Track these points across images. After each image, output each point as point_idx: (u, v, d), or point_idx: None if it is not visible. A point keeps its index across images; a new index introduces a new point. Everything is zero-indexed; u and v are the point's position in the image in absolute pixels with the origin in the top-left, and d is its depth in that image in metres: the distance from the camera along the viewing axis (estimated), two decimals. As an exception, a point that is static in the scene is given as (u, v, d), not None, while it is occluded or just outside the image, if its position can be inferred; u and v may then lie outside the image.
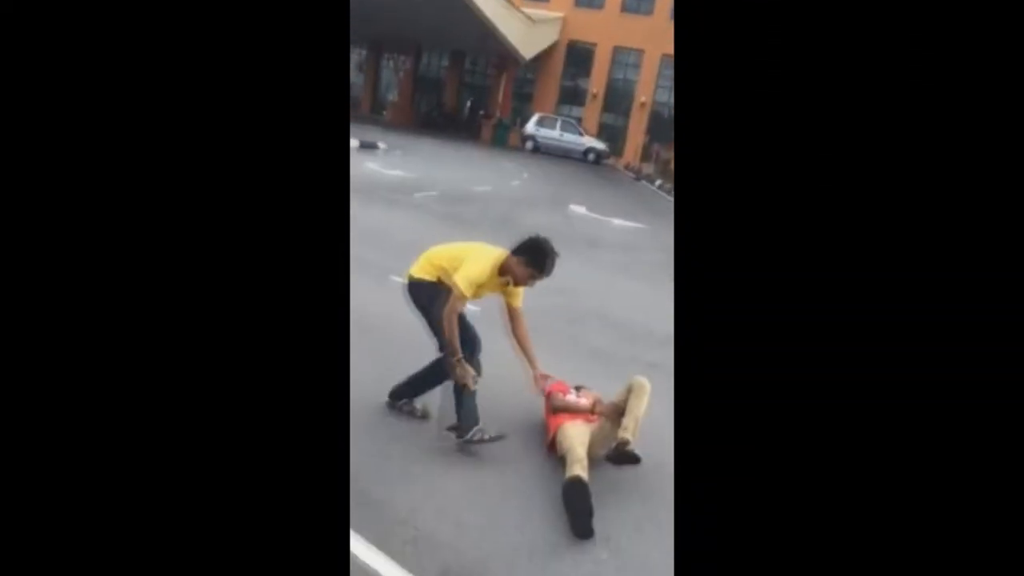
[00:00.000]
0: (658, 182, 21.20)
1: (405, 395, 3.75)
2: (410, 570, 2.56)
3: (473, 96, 29.61)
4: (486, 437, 3.41)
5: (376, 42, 31.52)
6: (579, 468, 3.10)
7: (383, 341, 4.82)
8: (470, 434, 3.42)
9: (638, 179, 22.46)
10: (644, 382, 3.48)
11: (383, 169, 14.20)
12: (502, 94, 28.45)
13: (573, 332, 5.64)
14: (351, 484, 2.81)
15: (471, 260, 3.43)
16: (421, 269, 3.60)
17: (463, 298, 3.35)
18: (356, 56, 32.55)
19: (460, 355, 3.40)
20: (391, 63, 32.13)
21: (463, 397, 3.46)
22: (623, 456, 3.31)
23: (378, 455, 3.30)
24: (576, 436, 3.36)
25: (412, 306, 3.69)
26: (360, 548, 2.63)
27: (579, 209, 12.94)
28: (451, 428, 3.50)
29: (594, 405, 3.64)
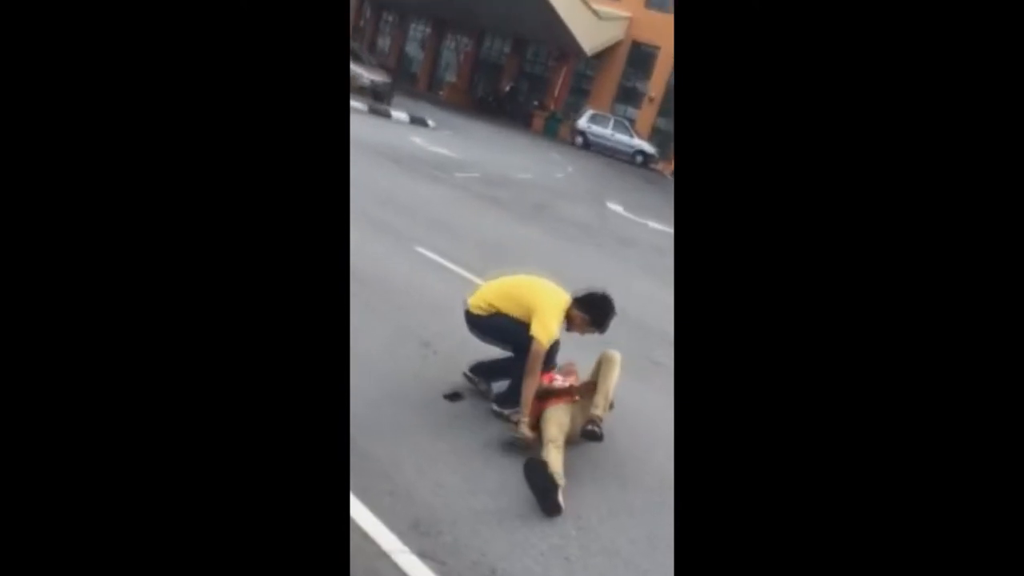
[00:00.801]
0: (703, 192, 20.90)
1: (481, 374, 3.91)
2: (383, 519, 2.64)
3: (529, 84, 29.57)
4: (513, 418, 3.52)
5: (440, 21, 31.64)
6: (550, 449, 3.16)
7: (400, 305, 4.90)
8: (509, 412, 3.59)
9: (683, 187, 22.18)
10: (613, 355, 3.59)
11: (428, 145, 14.29)
12: (559, 86, 28.39)
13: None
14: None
15: (546, 312, 3.50)
16: (483, 303, 3.70)
17: (543, 352, 3.44)
18: (419, 32, 32.72)
19: (526, 417, 3.42)
20: (453, 44, 32.22)
21: (516, 386, 3.61)
22: (589, 433, 3.37)
23: (374, 408, 3.38)
24: (553, 418, 3.41)
25: (477, 335, 3.78)
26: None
27: (617, 208, 12.91)
28: (496, 399, 3.74)
29: (572, 387, 3.68)
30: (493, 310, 3.66)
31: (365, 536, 2.53)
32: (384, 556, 2.46)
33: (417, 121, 17.65)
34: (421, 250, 6.50)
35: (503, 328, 3.63)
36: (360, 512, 2.64)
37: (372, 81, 18.91)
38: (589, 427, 3.34)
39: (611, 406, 3.67)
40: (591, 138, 24.90)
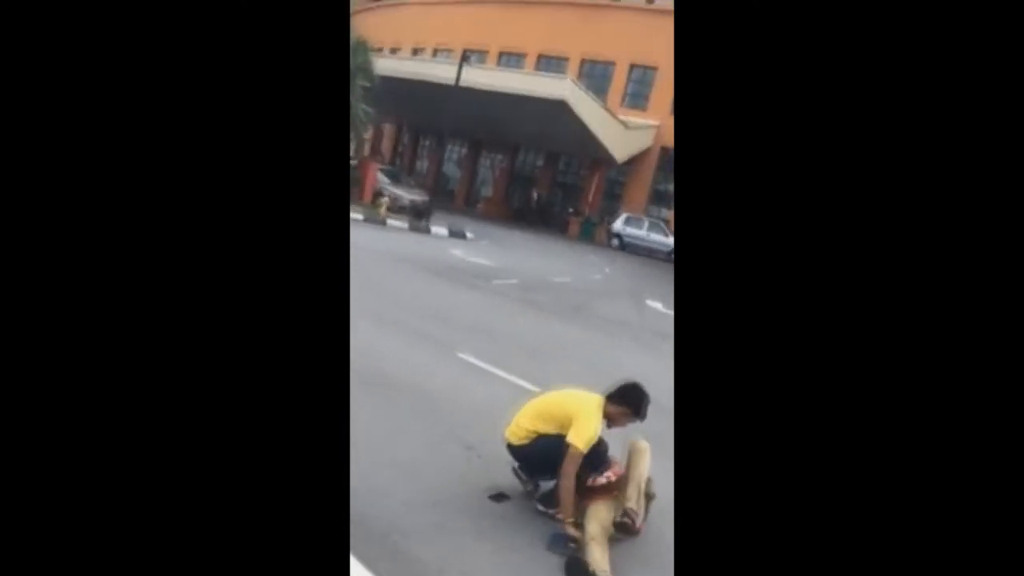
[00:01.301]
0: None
1: (529, 472, 3.79)
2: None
3: (563, 192, 30.36)
4: (558, 516, 3.49)
5: (476, 141, 32.99)
6: (592, 547, 3.15)
7: (443, 410, 4.94)
8: (553, 512, 3.57)
9: (723, 281, 22.12)
10: (640, 445, 3.60)
11: (467, 256, 14.64)
12: (593, 192, 29.07)
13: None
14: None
15: (581, 416, 3.49)
16: (520, 431, 3.67)
17: (580, 456, 3.41)
18: (455, 153, 34.12)
19: (574, 517, 3.42)
20: (488, 161, 33.46)
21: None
22: (621, 526, 3.33)
23: (419, 512, 3.37)
24: (595, 515, 3.38)
25: (525, 470, 3.75)
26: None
27: (656, 304, 12.92)
28: (541, 498, 3.71)
29: (611, 483, 3.62)
30: (533, 435, 3.62)
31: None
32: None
33: (456, 234, 18.16)
34: (462, 355, 6.57)
35: (547, 449, 3.55)
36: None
37: (412, 200, 19.69)
38: (621, 519, 3.31)
39: (650, 496, 3.59)
40: (627, 239, 25.23)
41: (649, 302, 13.15)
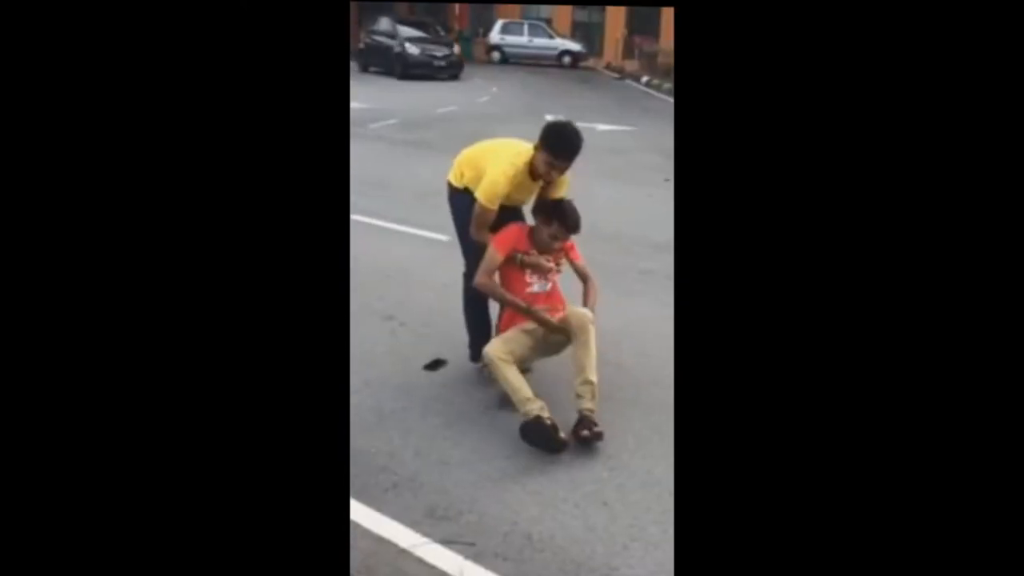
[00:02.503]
0: (644, 79, 20.87)
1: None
2: (394, 515, 2.58)
3: (428, 12, 28.94)
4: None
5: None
6: (503, 370, 3.12)
7: (351, 283, 4.78)
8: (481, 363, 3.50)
9: (622, 79, 22.12)
10: (583, 316, 3.23)
11: (333, 103, 13.95)
12: (459, 8, 27.81)
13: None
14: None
15: (491, 166, 3.34)
16: (452, 174, 3.60)
17: (486, 211, 3.33)
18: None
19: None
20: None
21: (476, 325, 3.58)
22: (585, 439, 3.02)
23: (355, 398, 3.30)
24: (513, 340, 3.31)
25: (451, 212, 3.65)
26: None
27: (556, 118, 12.78)
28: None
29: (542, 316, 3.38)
30: (463, 184, 3.51)
31: (379, 539, 2.48)
32: (405, 553, 2.41)
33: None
34: (357, 217, 6.34)
35: (462, 207, 3.48)
36: (366, 514, 2.58)
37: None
38: (584, 432, 3.00)
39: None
40: (508, 51, 24.55)
41: (549, 117, 12.97)
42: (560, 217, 3.36)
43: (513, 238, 3.41)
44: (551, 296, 3.46)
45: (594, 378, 3.10)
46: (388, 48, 19.90)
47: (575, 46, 24.81)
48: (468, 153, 3.58)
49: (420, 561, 2.38)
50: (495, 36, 24.85)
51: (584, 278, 3.58)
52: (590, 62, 25.18)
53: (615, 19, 26.65)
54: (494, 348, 3.19)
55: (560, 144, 3.25)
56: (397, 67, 19.57)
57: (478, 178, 3.37)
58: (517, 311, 3.38)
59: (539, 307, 3.37)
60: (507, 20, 25.47)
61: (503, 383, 3.13)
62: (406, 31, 20.32)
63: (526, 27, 24.97)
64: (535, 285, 3.44)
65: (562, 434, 2.96)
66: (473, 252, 3.50)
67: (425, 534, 2.50)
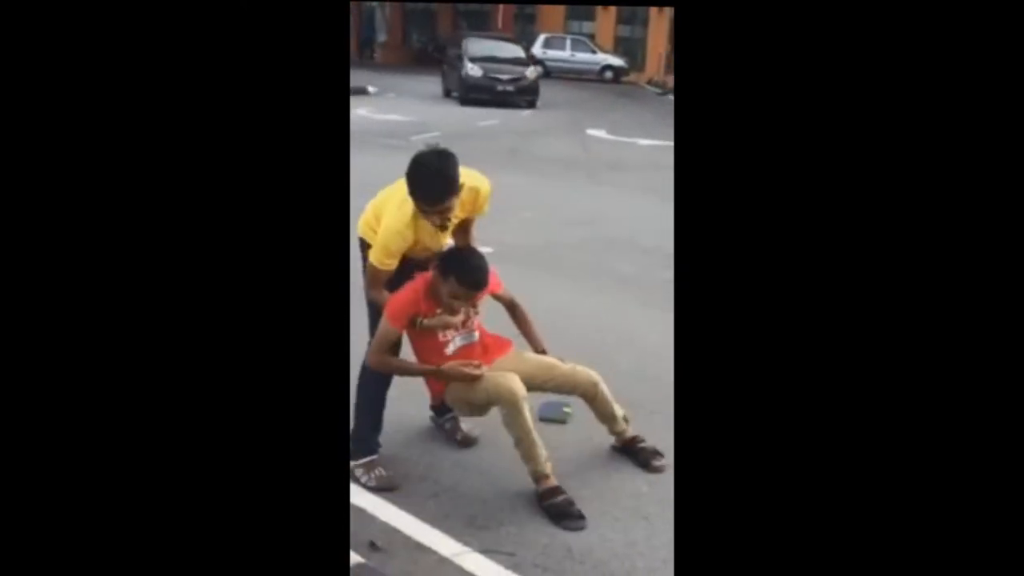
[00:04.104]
0: (687, 94, 20.75)
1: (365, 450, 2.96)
2: (435, 524, 2.60)
3: (468, 23, 29.18)
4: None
5: (355, -23, 31.14)
6: (545, 468, 2.75)
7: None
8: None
9: (664, 94, 22.08)
10: (593, 384, 2.95)
11: (375, 114, 14.13)
12: (501, 18, 28.03)
13: (601, 262, 5.62)
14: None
15: (385, 216, 2.76)
16: (363, 226, 2.95)
17: (379, 271, 2.76)
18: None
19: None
20: (376, 1, 31.74)
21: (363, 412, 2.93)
22: (660, 463, 2.99)
23: (393, 408, 3.32)
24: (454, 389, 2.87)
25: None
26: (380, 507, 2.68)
27: (598, 133, 12.80)
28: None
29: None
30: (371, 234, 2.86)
31: (419, 546, 2.50)
32: (446, 561, 2.43)
33: (356, 91, 17.42)
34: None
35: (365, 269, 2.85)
36: (408, 521, 2.61)
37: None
38: (656, 463, 2.95)
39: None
40: (550, 65, 24.65)
41: (590, 131, 13.00)
42: (457, 271, 2.69)
43: (408, 303, 2.75)
44: (483, 343, 2.97)
45: (621, 412, 3.03)
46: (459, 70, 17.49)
47: (617, 61, 24.85)
48: (377, 200, 2.92)
49: (460, 569, 2.40)
50: (537, 50, 24.96)
51: (511, 306, 3.08)
52: (632, 77, 25.19)
53: (658, 34, 26.64)
54: (516, 384, 2.72)
55: (421, 184, 2.61)
56: (460, 91, 17.19)
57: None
58: (434, 377, 2.86)
59: (473, 360, 2.83)
60: (550, 35, 25.61)
61: (517, 431, 2.71)
62: (475, 48, 17.80)
63: (569, 42, 25.09)
64: (455, 340, 2.89)
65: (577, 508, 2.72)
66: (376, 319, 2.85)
67: (465, 543, 2.52)
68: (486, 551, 2.48)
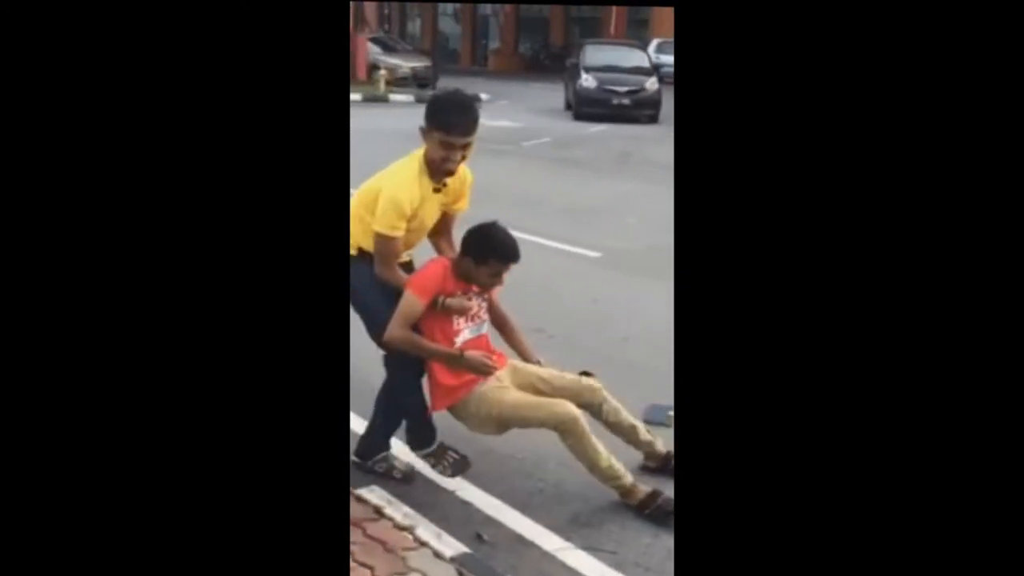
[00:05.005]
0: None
1: (377, 447, 2.92)
2: (538, 520, 2.67)
3: (580, 29, 29.24)
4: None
5: (470, -14, 31.71)
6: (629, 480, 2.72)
7: (502, 295, 4.93)
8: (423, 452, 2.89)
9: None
10: (595, 392, 2.91)
11: (488, 120, 14.20)
12: (614, 24, 27.94)
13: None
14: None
15: (386, 187, 2.65)
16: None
17: (390, 241, 2.64)
18: (449, 7, 32.86)
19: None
20: (488, 8, 32.21)
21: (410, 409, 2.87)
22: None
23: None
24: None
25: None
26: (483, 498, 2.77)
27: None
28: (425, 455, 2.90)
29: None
30: (355, 247, 2.73)
31: (523, 540, 2.57)
32: (549, 556, 2.49)
33: (469, 99, 17.71)
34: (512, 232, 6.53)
35: (362, 281, 2.65)
36: (513, 517, 2.68)
37: (412, 68, 19.18)
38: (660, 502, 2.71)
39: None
40: (664, 69, 24.37)
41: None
42: (493, 249, 2.71)
43: (437, 277, 2.72)
44: (485, 340, 2.91)
45: (640, 424, 2.94)
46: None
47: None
48: (357, 198, 2.76)
49: (563, 565, 2.45)
50: (652, 55, 24.76)
51: (503, 318, 3.04)
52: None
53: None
54: (572, 409, 2.68)
55: (450, 112, 2.62)
56: (574, 104, 15.85)
57: (370, 230, 2.67)
58: (450, 364, 2.75)
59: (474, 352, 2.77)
60: (663, 39, 25.33)
61: (589, 458, 2.67)
62: (593, 56, 16.31)
63: (682, 46, 24.72)
64: (465, 331, 2.83)
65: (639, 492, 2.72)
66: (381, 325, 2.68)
67: (568, 539, 2.57)
68: (588, 548, 2.52)
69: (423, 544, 2.40)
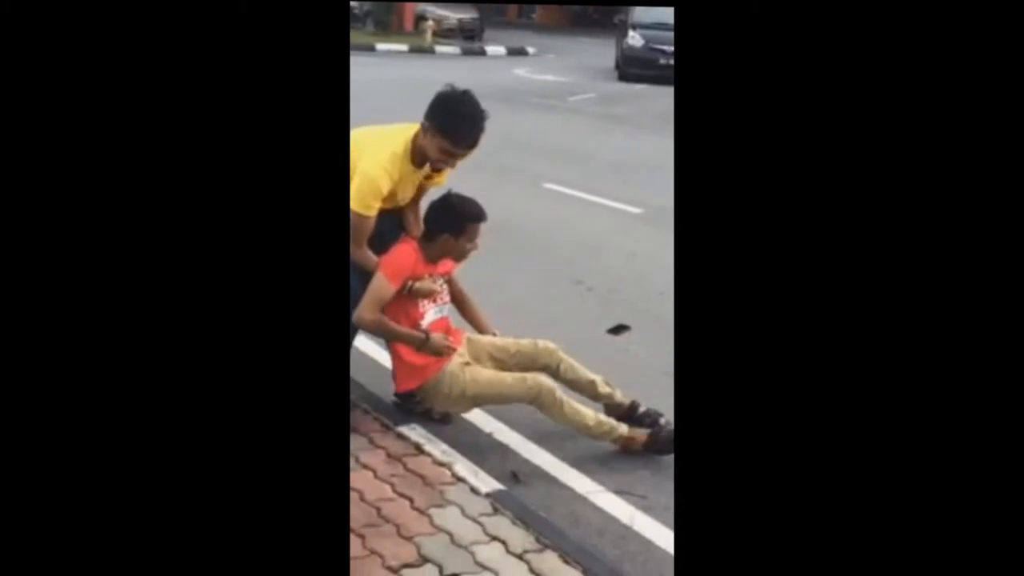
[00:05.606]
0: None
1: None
2: (571, 464, 2.75)
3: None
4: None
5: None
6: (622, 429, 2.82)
7: (542, 247, 4.98)
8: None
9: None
10: (554, 354, 2.95)
11: (534, 75, 14.24)
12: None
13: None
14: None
15: (363, 160, 2.56)
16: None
17: (364, 219, 2.60)
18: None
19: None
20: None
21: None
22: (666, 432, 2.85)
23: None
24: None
25: None
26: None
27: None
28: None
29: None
30: None
31: (557, 482, 2.65)
32: (581, 498, 2.57)
33: (515, 52, 17.61)
34: (550, 186, 6.55)
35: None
36: (548, 460, 2.76)
37: (459, 20, 19.02)
38: (662, 436, 2.81)
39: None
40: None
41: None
42: (468, 214, 2.78)
43: (408, 263, 2.74)
44: (446, 321, 2.97)
45: (597, 376, 2.96)
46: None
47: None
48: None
49: (594, 506, 2.53)
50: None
51: (459, 292, 3.07)
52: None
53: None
54: (545, 381, 2.77)
55: (459, 123, 2.52)
56: (620, 64, 14.92)
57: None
58: (416, 347, 2.78)
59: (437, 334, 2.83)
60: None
61: (573, 420, 2.75)
62: (643, 12, 14.68)
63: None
64: (430, 312, 2.88)
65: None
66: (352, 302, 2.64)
67: (600, 483, 2.65)
68: (620, 492, 2.60)
69: (460, 480, 2.49)
